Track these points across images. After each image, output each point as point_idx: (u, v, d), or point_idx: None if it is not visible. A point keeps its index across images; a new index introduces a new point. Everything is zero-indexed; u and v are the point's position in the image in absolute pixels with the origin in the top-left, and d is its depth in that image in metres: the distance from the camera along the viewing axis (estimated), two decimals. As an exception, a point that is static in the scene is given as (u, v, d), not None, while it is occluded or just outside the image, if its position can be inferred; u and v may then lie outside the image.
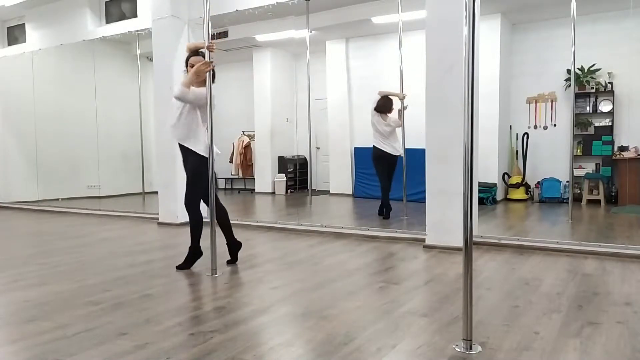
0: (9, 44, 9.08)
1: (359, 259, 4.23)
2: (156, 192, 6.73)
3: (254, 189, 10.34)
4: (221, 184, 11.03)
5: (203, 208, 3.95)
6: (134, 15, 7.33)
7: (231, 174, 10.66)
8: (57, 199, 8.82)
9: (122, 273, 3.86)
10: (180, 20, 6.25)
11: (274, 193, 9.98)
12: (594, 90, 7.50)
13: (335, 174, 9.42)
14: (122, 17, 7.61)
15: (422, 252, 4.45)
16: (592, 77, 7.50)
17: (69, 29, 7.95)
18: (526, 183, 7.89)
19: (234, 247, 4.11)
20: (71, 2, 7.90)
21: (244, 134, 10.51)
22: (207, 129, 3.76)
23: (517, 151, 8.11)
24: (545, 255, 4.22)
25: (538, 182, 7.86)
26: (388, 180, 6.25)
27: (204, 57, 3.82)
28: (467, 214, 2.29)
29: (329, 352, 2.28)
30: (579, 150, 7.57)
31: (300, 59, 10.05)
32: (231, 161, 10.53)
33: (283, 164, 10.02)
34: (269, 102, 10.04)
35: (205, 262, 3.97)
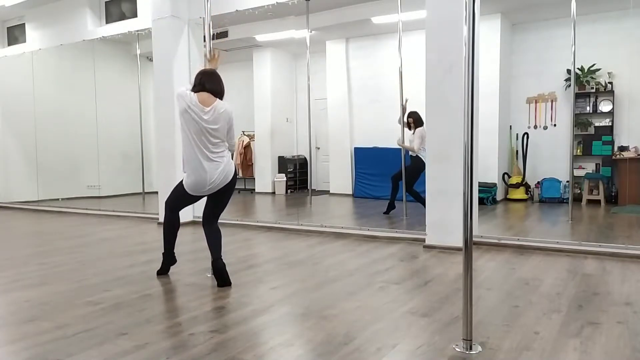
0: (9, 44, 9.08)
1: (359, 259, 4.23)
2: (156, 192, 6.73)
3: (254, 189, 10.34)
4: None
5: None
6: (134, 15, 7.33)
7: (231, 174, 10.65)
8: (57, 199, 8.81)
9: (122, 273, 3.86)
10: (180, 20, 6.25)
11: (274, 193, 9.98)
12: (594, 90, 7.50)
13: (335, 174, 9.42)
14: (122, 17, 7.60)
15: (422, 252, 4.45)
16: (592, 77, 7.50)
17: (69, 29, 7.94)
18: (526, 183, 7.89)
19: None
20: (71, 2, 7.90)
21: (244, 134, 10.50)
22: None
23: (517, 151, 8.11)
24: (545, 255, 4.22)
25: (538, 182, 7.86)
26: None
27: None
28: (467, 214, 2.29)
29: (329, 352, 2.28)
30: (579, 150, 7.57)
31: (300, 59, 10.05)
32: (231, 161, 10.52)
33: (283, 164, 10.02)
34: (269, 102, 10.04)
35: (205, 263, 3.97)
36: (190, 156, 3.43)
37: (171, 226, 3.71)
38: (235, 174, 3.58)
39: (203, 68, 3.68)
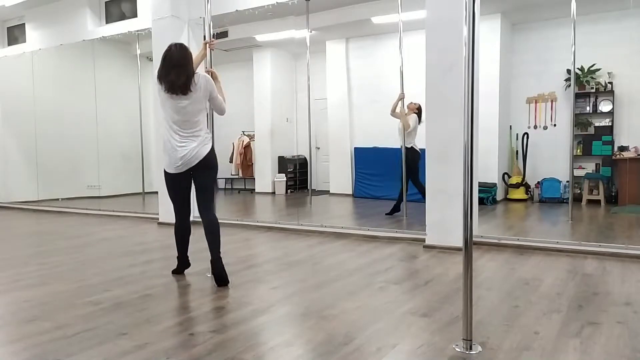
0: (9, 44, 9.08)
1: (359, 259, 4.23)
2: (156, 192, 6.73)
3: (254, 189, 10.34)
4: (221, 184, 11.04)
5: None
6: (134, 15, 7.33)
7: (231, 174, 10.66)
8: (57, 199, 8.81)
9: (122, 273, 3.86)
10: (180, 20, 6.25)
11: (274, 193, 9.98)
12: (594, 90, 7.50)
13: (335, 174, 9.42)
14: (122, 17, 7.61)
15: (422, 252, 4.45)
16: (592, 77, 7.50)
17: (69, 29, 7.95)
18: (526, 183, 7.89)
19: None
20: (71, 2, 7.90)
21: (244, 134, 10.51)
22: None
23: (517, 151, 8.11)
24: (545, 255, 4.22)
25: (538, 182, 7.86)
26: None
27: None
28: (467, 214, 2.29)
29: (329, 352, 2.28)
30: (579, 150, 7.57)
31: (300, 59, 10.05)
32: (231, 161, 10.53)
33: (283, 164, 10.02)
34: (269, 102, 10.04)
35: (205, 263, 3.97)
36: (165, 133, 3.46)
37: (179, 232, 3.72)
38: (211, 152, 3.50)
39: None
